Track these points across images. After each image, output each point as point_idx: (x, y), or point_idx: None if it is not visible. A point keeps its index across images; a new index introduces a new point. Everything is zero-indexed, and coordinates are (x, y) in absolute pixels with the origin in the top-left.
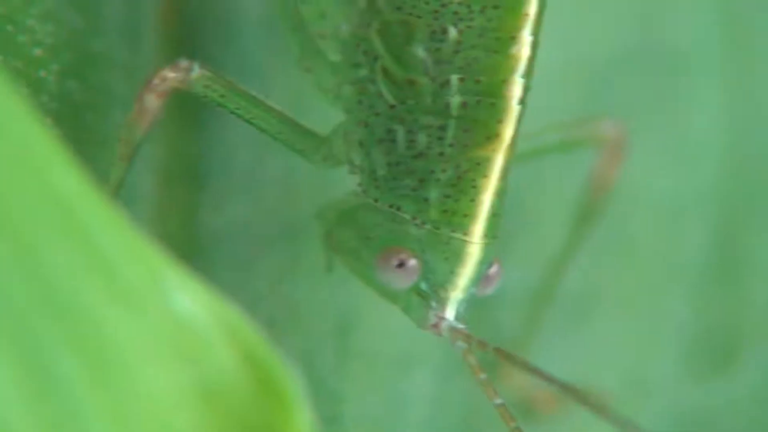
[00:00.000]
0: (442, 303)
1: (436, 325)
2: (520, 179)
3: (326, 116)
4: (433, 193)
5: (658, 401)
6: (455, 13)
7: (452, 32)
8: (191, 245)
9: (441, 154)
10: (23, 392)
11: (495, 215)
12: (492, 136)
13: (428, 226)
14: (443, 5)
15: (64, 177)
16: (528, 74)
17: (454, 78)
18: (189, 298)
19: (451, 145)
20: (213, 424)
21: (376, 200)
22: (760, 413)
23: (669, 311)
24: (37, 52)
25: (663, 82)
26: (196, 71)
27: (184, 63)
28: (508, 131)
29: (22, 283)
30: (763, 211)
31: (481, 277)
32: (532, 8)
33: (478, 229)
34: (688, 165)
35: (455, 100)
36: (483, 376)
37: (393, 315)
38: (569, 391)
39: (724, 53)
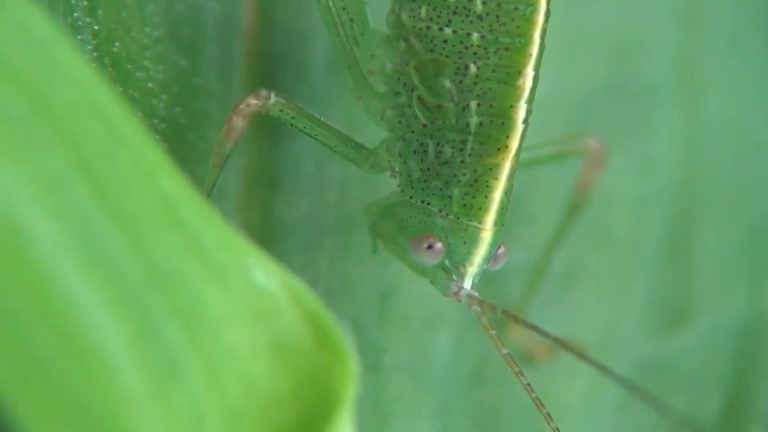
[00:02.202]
0: (462, 276)
1: (456, 293)
2: (523, 181)
3: (373, 134)
4: (456, 192)
5: (625, 351)
6: (475, 53)
7: (472, 68)
8: (268, 234)
9: (462, 161)
10: (135, 348)
11: (503, 209)
12: (502, 148)
13: (451, 217)
14: (466, 47)
15: (170, 181)
16: (530, 100)
17: (473, 103)
18: (265, 274)
19: (470, 155)
20: (281, 371)
21: (411, 197)
22: (703, 361)
23: (634, 284)
24: (150, 85)
25: (633, 108)
26: (273, 99)
27: (263, 92)
28: (514, 144)
29: (135, 264)
30: (707, 209)
31: (491, 257)
32: (535, 50)
33: (489, 219)
34: (651, 173)
35: (474, 120)
36: (493, 332)
37: (423, 285)
38: (559, 342)
39: (681, 86)
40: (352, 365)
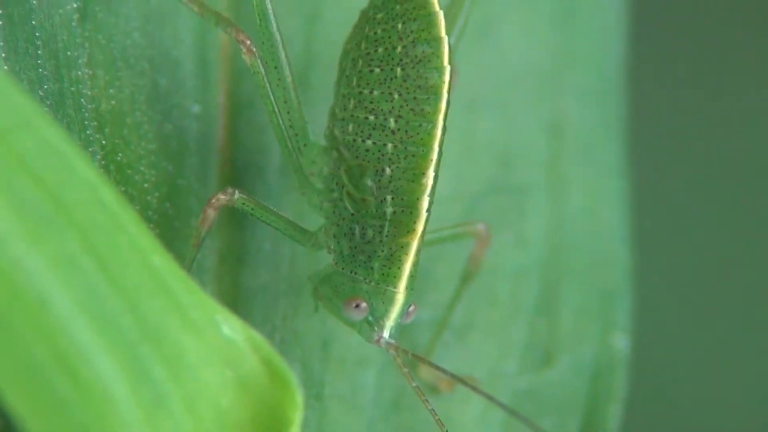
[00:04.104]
0: (382, 328)
1: (378, 341)
2: (429, 256)
3: (314, 221)
4: (376, 264)
5: (507, 384)
6: (389, 159)
7: (387, 171)
8: (236, 298)
9: (380, 241)
10: (131, 385)
11: (412, 276)
12: (411, 231)
13: (373, 284)
14: (382, 155)
15: (159, 258)
16: (432, 194)
17: (389, 197)
18: (231, 328)
19: (386, 236)
20: (244, 402)
21: (342, 269)
22: (565, 391)
23: (513, 332)
24: (145, 186)
25: (511, 200)
26: (237, 195)
27: (230, 189)
28: (420, 228)
29: (131, 322)
30: (568, 277)
31: (404, 313)
32: (435, 156)
33: (402, 285)
34: (525, 249)
35: (389, 210)
36: (405, 370)
37: (353, 336)
38: (456, 377)
39: (548, 183)
40: (299, 396)
